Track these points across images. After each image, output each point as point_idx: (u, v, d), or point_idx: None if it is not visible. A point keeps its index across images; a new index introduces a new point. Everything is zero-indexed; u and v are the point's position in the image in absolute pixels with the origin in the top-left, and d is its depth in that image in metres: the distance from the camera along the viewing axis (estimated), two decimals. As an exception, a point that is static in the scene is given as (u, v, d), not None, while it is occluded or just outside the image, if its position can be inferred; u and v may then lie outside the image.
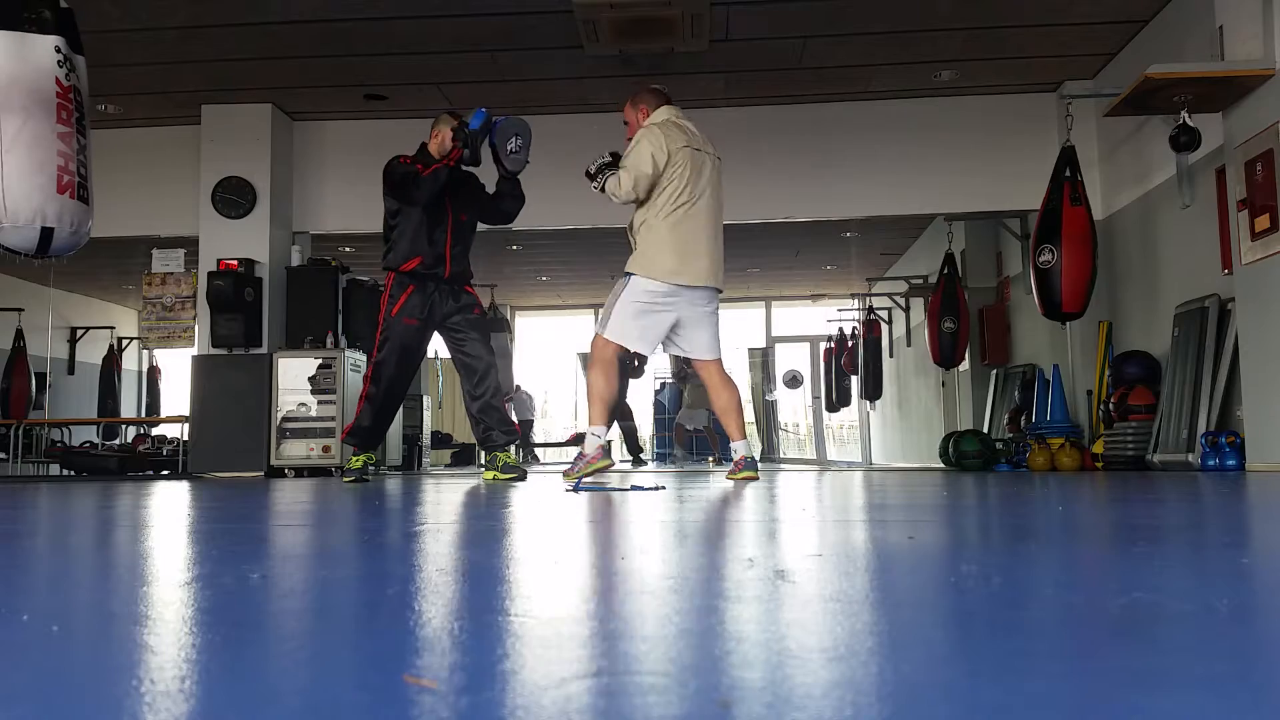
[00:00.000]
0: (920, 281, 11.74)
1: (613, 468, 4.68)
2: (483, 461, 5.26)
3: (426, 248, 5.25)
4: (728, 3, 6.30)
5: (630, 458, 13.17)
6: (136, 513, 2.75)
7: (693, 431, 14.19)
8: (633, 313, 4.63)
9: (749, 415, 18.36)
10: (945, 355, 9.36)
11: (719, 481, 4.82)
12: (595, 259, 12.38)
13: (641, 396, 14.81)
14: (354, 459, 5.48)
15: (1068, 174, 6.42)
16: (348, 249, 10.65)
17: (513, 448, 5.80)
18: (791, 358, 16.72)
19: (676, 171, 4.63)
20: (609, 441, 4.88)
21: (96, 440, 11.90)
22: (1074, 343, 7.87)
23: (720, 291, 4.79)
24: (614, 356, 4.74)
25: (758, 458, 4.72)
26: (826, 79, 7.64)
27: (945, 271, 9.50)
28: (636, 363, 13.22)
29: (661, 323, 4.66)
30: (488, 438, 5.38)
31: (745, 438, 4.75)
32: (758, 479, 4.63)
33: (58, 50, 3.93)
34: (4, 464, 10.71)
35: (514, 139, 5.31)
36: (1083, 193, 6.39)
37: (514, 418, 12.41)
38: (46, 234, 3.90)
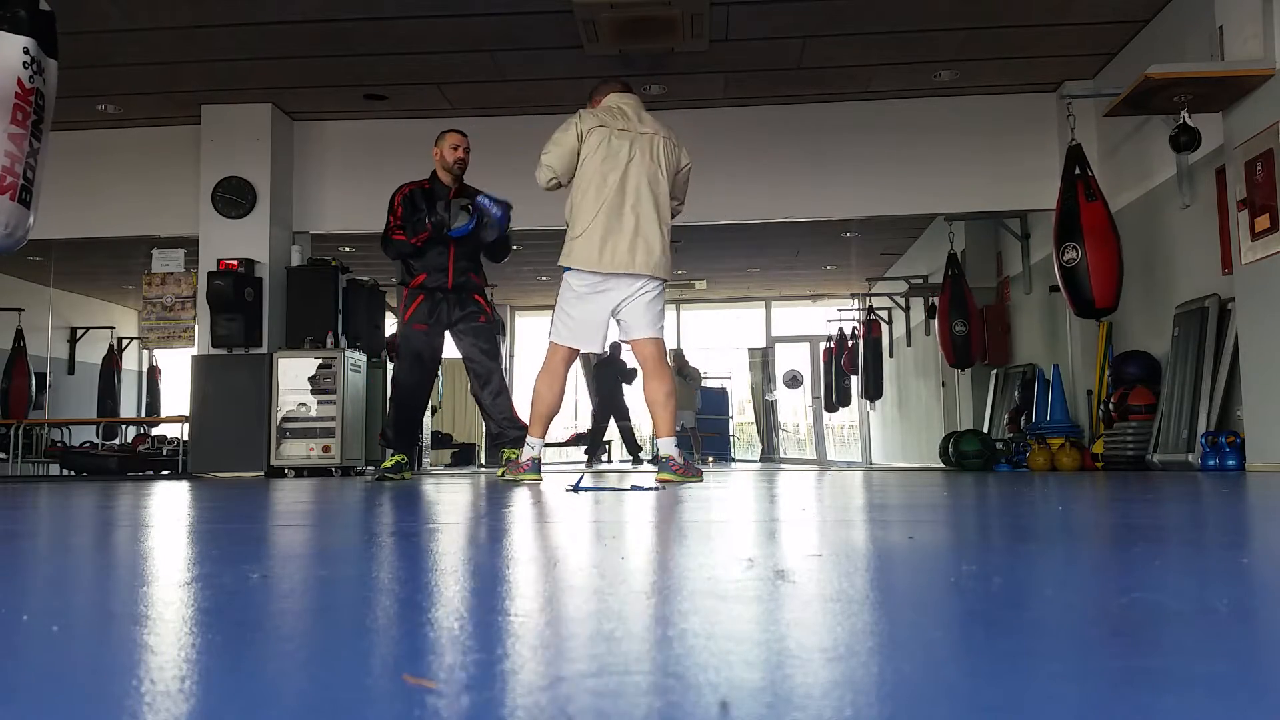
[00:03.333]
0: (920, 281, 11.74)
1: (539, 483, 4.47)
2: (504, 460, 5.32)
3: (432, 264, 5.50)
4: (728, 3, 6.30)
5: (630, 457, 13.18)
6: (136, 513, 2.75)
7: (679, 431, 14.21)
8: (567, 309, 4.57)
9: (749, 415, 18.38)
10: (960, 356, 9.35)
11: (700, 487, 4.80)
12: (595, 259, 12.35)
13: (640, 396, 14.75)
14: (389, 458, 5.65)
15: (1078, 171, 6.41)
16: (348, 249, 10.65)
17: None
18: (791, 358, 16.74)
19: (594, 154, 4.50)
20: (538, 457, 4.65)
21: (96, 440, 11.90)
22: (1074, 343, 7.87)
23: (663, 280, 4.57)
24: (561, 363, 4.63)
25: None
26: (826, 79, 7.64)
27: (951, 272, 9.49)
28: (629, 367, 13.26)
29: (596, 314, 4.54)
30: (498, 436, 5.54)
31: (673, 436, 4.51)
32: (701, 481, 4.40)
33: (26, 51, 3.93)
34: (4, 464, 10.71)
35: (491, 229, 5.43)
36: (1096, 188, 6.38)
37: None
38: None
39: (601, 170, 4.48)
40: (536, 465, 4.65)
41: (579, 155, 4.52)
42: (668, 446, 4.46)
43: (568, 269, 4.54)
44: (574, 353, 4.70)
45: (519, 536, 1.82)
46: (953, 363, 9.51)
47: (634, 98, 4.72)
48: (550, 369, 4.64)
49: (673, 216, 4.71)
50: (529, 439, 4.65)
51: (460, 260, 5.51)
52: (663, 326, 4.64)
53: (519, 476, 4.60)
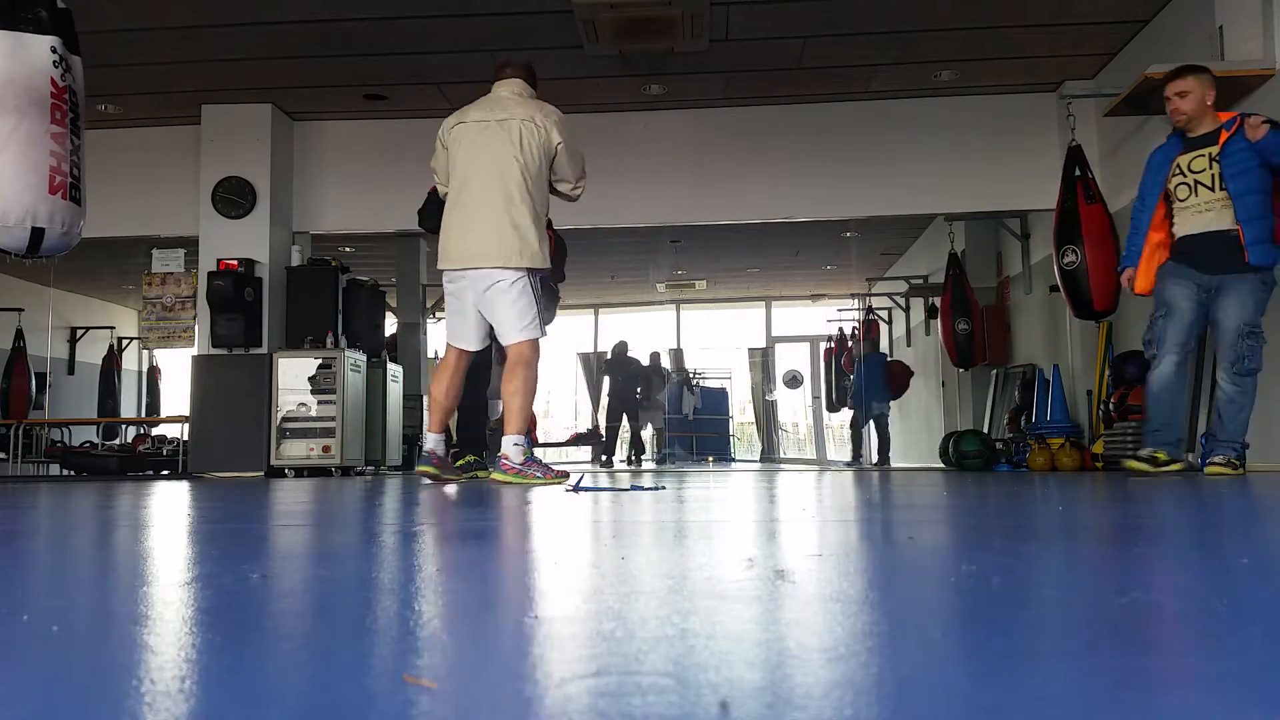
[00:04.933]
0: (920, 281, 11.74)
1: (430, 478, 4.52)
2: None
3: None
4: (728, 3, 6.30)
5: (634, 457, 13.19)
6: (136, 513, 2.75)
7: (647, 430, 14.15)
8: (447, 310, 4.63)
9: (749, 415, 18.38)
10: (963, 356, 9.36)
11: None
12: (594, 258, 12.38)
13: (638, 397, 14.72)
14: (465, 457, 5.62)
15: (1077, 173, 6.42)
16: (348, 249, 10.65)
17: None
18: (791, 358, 16.73)
19: (454, 153, 4.55)
20: (434, 450, 4.61)
21: (96, 440, 11.90)
22: (1074, 343, 7.87)
23: (520, 270, 4.44)
24: (454, 361, 4.64)
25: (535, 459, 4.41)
26: (826, 79, 7.64)
27: (952, 272, 9.50)
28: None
29: (463, 312, 4.54)
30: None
31: (516, 435, 4.38)
32: (558, 482, 4.21)
33: (53, 50, 3.93)
34: (4, 464, 10.72)
35: None
36: (1096, 190, 6.39)
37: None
38: (37, 234, 3.90)
39: (456, 167, 4.52)
40: (430, 458, 4.60)
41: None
42: (506, 444, 4.36)
43: None
44: (462, 352, 4.68)
45: (519, 536, 1.82)
46: (956, 362, 9.51)
47: (514, 82, 4.72)
48: (443, 364, 4.73)
49: (570, 197, 4.68)
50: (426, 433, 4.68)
51: None
52: (532, 324, 4.47)
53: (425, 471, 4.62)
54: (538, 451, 4.81)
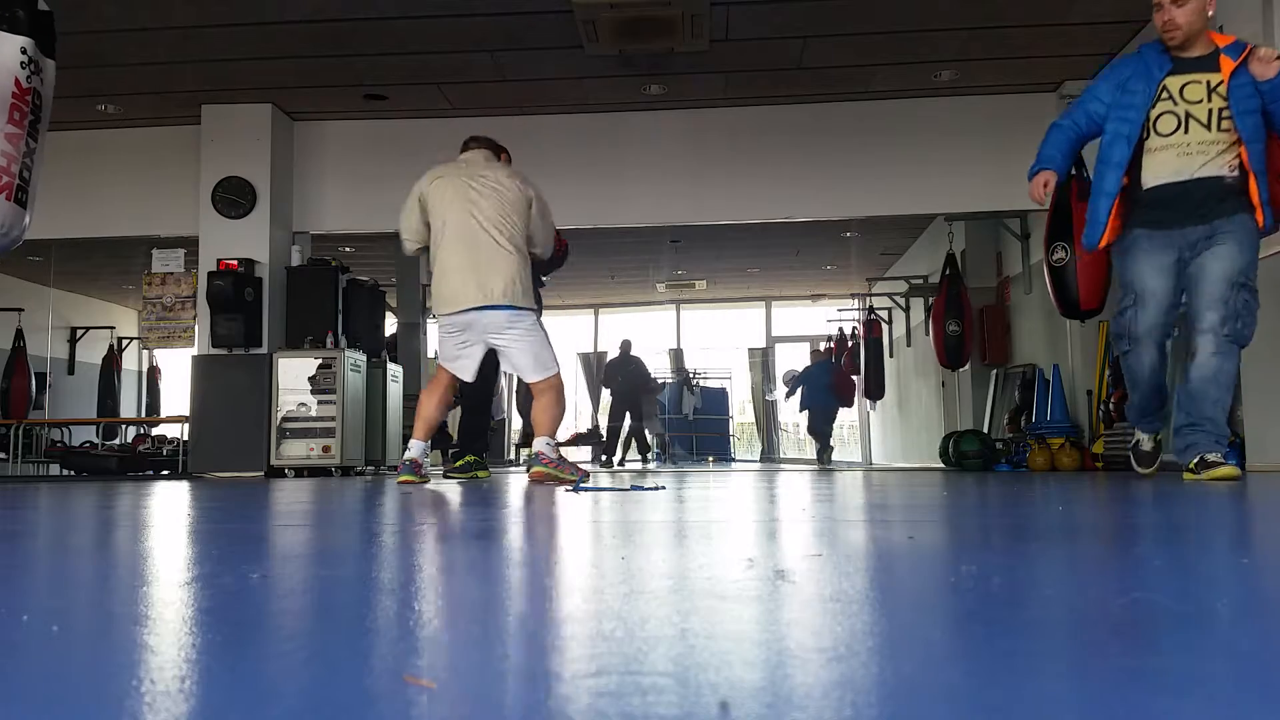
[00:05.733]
0: (920, 281, 11.74)
1: (419, 485, 4.59)
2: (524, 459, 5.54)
3: None
4: (728, 3, 6.30)
5: (639, 457, 13.18)
6: (136, 513, 2.75)
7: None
8: (448, 344, 4.86)
9: (749, 415, 18.38)
10: (951, 357, 9.37)
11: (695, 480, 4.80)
12: (595, 258, 12.38)
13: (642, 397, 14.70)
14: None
15: (1073, 171, 6.41)
16: (348, 249, 10.65)
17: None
18: (791, 358, 16.73)
19: (438, 204, 4.75)
20: (415, 458, 4.75)
21: (96, 440, 11.90)
22: (1074, 343, 7.87)
23: (525, 309, 4.74)
24: (448, 381, 4.88)
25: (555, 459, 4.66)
26: (826, 79, 7.64)
27: (947, 273, 9.50)
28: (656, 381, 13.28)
29: (468, 348, 4.78)
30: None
31: (547, 436, 4.69)
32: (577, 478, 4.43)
33: (23, 51, 3.93)
34: (4, 464, 10.71)
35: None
36: (1089, 188, 6.38)
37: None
38: None
39: (447, 216, 4.71)
40: (411, 467, 4.72)
41: (427, 213, 4.77)
42: (539, 443, 4.68)
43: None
44: (447, 387, 4.94)
45: (518, 536, 1.82)
46: (944, 362, 9.53)
47: (482, 152, 4.95)
48: (433, 381, 5.00)
49: (542, 259, 5.04)
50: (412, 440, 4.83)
51: None
52: (550, 360, 4.79)
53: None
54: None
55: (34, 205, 4.10)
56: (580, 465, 4.87)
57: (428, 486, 4.43)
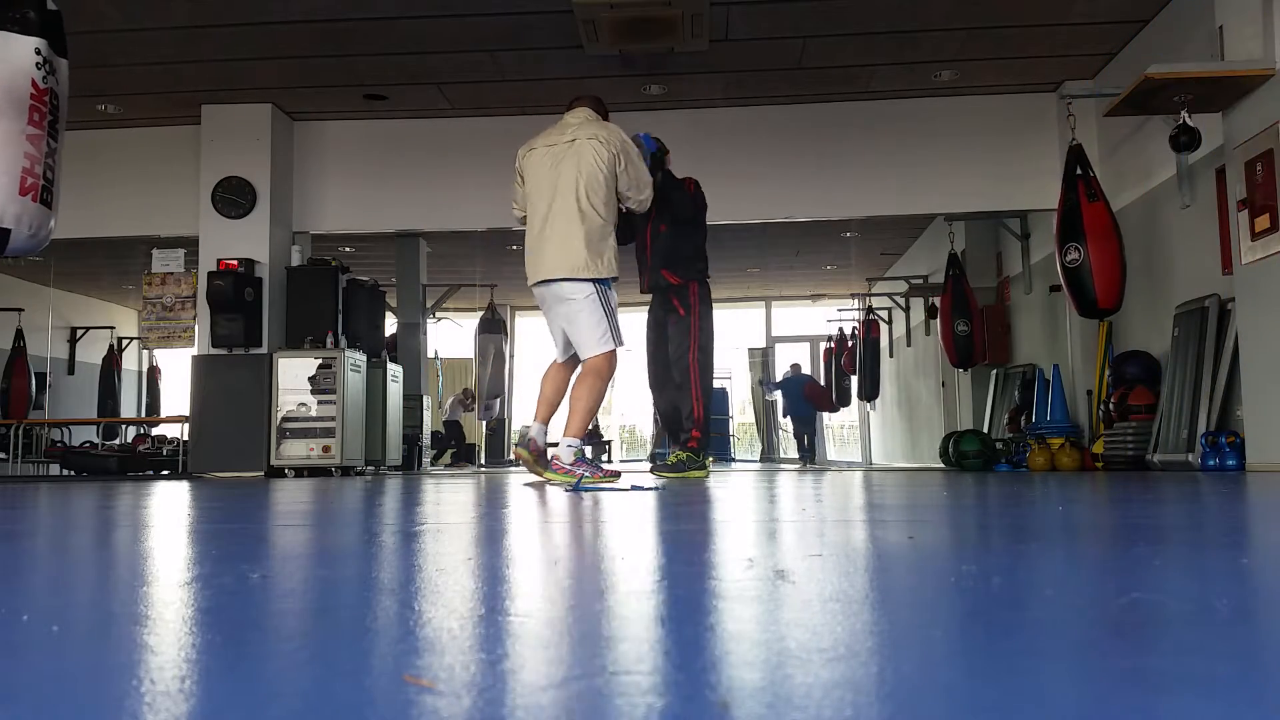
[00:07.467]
0: (920, 281, 11.74)
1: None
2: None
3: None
4: (728, 3, 6.30)
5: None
6: (136, 513, 2.75)
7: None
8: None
9: (749, 415, 18.38)
10: (962, 356, 9.36)
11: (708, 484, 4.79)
12: (595, 259, 12.36)
13: (642, 397, 14.71)
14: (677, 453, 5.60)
15: (1079, 171, 6.41)
16: (348, 249, 10.65)
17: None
18: (791, 358, 16.73)
19: (527, 179, 4.78)
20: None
21: (96, 440, 11.90)
22: (1074, 343, 7.87)
23: (590, 281, 4.59)
24: (557, 365, 4.89)
25: (587, 459, 4.58)
26: (826, 79, 7.64)
27: (952, 272, 9.49)
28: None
29: (553, 327, 4.81)
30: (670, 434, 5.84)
31: (576, 436, 4.55)
32: (617, 482, 4.27)
33: (38, 52, 3.93)
34: (4, 464, 10.72)
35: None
36: (1098, 188, 6.38)
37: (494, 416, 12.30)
38: (3, 235, 3.89)
39: (533, 194, 4.73)
40: (527, 443, 4.71)
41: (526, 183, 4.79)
42: (561, 445, 4.51)
43: None
44: (564, 364, 4.88)
45: (518, 537, 1.82)
46: (955, 362, 9.51)
47: (582, 110, 4.89)
48: (550, 367, 4.94)
49: (636, 210, 4.91)
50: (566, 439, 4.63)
51: (654, 258, 5.77)
52: (604, 336, 4.61)
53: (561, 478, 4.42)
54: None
55: (58, 205, 4.11)
56: (605, 466, 4.75)
57: (436, 483, 4.40)
